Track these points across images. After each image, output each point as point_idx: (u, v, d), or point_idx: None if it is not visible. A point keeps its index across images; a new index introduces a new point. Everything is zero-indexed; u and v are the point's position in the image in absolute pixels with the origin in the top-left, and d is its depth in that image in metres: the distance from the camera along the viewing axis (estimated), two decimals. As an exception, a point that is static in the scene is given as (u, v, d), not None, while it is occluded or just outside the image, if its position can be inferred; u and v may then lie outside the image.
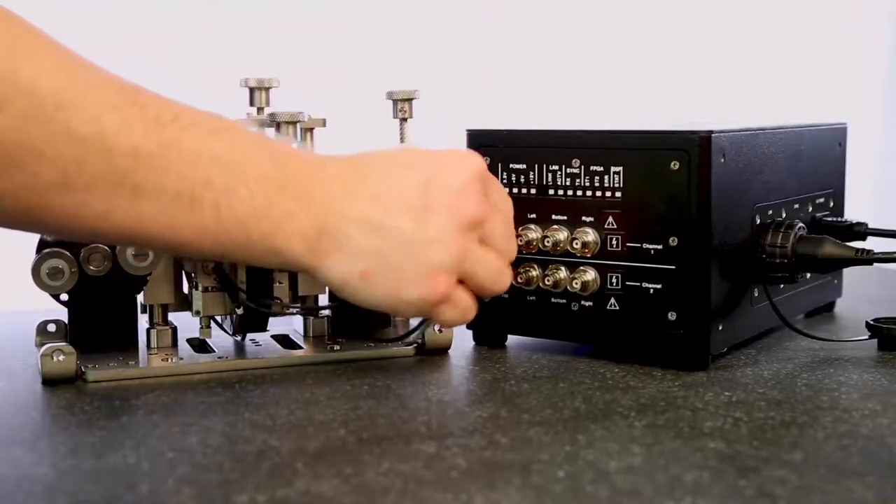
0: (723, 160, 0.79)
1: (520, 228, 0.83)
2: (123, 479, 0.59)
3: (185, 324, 0.86)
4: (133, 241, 0.76)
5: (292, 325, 0.92)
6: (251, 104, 0.88)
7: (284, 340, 0.88)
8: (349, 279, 0.67)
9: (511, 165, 0.85)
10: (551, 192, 0.83)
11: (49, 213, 0.62)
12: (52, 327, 0.86)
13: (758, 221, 0.84)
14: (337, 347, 0.85)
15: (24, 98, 0.58)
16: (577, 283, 0.82)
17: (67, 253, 0.81)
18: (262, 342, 0.87)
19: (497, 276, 0.71)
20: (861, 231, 0.96)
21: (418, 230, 0.67)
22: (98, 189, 0.61)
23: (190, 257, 0.82)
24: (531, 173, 0.84)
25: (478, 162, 0.71)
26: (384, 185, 0.68)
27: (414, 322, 0.93)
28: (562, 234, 0.82)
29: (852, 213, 1.00)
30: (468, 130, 0.88)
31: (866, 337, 0.87)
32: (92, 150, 0.60)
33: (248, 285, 0.83)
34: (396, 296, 0.68)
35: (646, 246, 0.80)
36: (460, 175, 0.69)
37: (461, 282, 0.70)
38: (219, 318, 0.86)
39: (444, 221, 0.67)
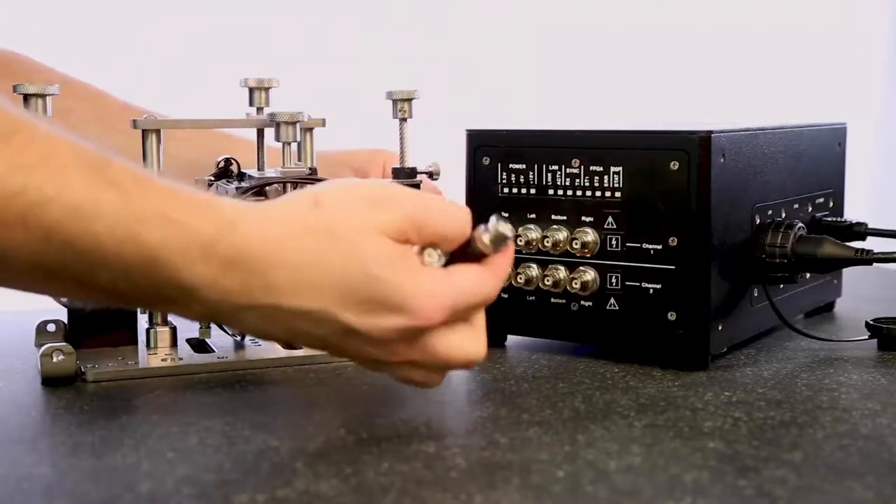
0: (723, 160, 0.79)
1: (520, 229, 0.83)
2: (123, 479, 0.59)
3: (185, 324, 0.86)
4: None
5: (292, 325, 0.92)
6: (251, 104, 0.88)
7: (284, 340, 0.88)
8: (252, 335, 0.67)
9: (511, 165, 0.85)
10: (551, 192, 0.83)
11: None
12: (51, 327, 0.86)
13: (758, 221, 0.84)
14: (337, 347, 0.85)
15: None
16: (576, 283, 0.82)
17: (67, 253, 0.80)
18: (261, 342, 0.87)
19: (435, 381, 0.66)
20: (861, 231, 0.96)
21: (323, 348, 0.64)
22: None
23: None
24: (531, 173, 0.84)
25: (422, 314, 0.60)
26: (296, 324, 0.60)
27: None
28: (561, 234, 0.82)
29: (852, 213, 1.00)
30: (468, 130, 0.88)
31: (866, 337, 0.87)
32: None
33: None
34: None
35: (645, 246, 0.80)
36: (380, 335, 0.61)
37: None
38: (219, 318, 0.86)
39: (355, 355, 0.63)
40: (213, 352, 0.84)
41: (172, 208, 0.57)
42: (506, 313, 0.85)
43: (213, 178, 0.86)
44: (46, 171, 0.55)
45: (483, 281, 0.63)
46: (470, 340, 0.63)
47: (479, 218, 0.84)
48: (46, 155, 0.55)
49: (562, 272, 0.83)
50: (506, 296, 0.83)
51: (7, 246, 0.55)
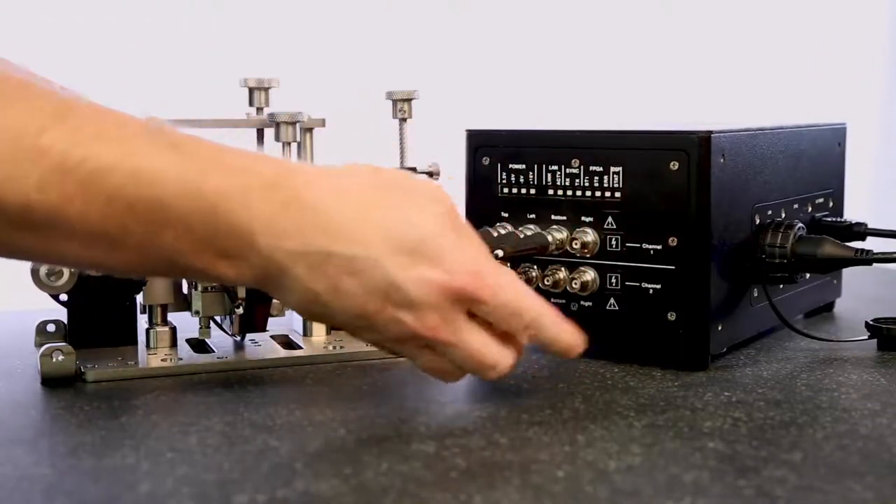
0: (722, 160, 0.79)
1: (519, 228, 0.83)
2: (123, 479, 0.59)
3: (185, 324, 0.86)
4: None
5: (292, 325, 0.92)
6: (251, 104, 0.88)
7: (284, 340, 0.88)
8: (301, 311, 0.66)
9: (511, 165, 0.85)
10: (551, 192, 0.83)
11: None
12: (51, 327, 0.86)
13: (757, 221, 0.84)
14: (336, 347, 0.85)
15: None
16: (576, 284, 0.82)
17: (67, 253, 0.80)
18: (261, 342, 0.87)
19: (428, 367, 0.67)
20: (861, 231, 0.95)
21: (360, 320, 0.63)
22: (6, 234, 0.57)
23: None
24: (531, 173, 0.84)
25: (458, 278, 0.62)
26: (344, 277, 0.61)
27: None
28: (561, 235, 0.82)
29: (852, 213, 1.00)
30: (468, 130, 0.88)
31: (866, 337, 0.87)
32: None
33: (248, 289, 0.83)
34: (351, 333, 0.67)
35: (645, 246, 0.80)
36: (422, 293, 0.62)
37: None
38: (218, 318, 0.86)
39: (387, 329, 0.63)
40: (213, 352, 0.84)
41: (232, 158, 0.60)
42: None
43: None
44: (105, 142, 0.57)
45: (526, 291, 0.66)
46: (498, 348, 0.66)
47: (479, 218, 0.85)
48: (101, 128, 0.57)
49: (561, 272, 0.83)
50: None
51: (71, 216, 0.57)
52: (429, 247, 0.62)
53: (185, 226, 0.59)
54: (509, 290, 0.65)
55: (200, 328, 0.84)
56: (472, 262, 0.64)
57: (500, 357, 0.66)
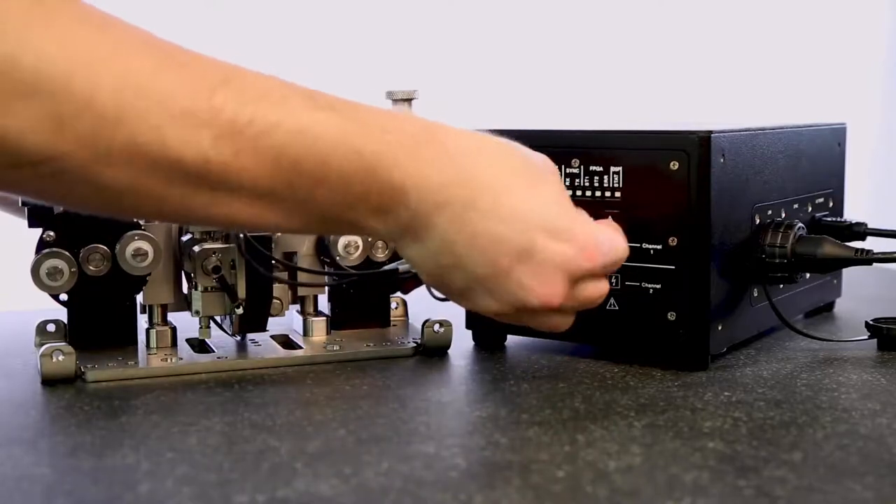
0: (722, 160, 0.79)
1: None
2: (123, 479, 0.59)
3: (185, 324, 0.86)
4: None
5: (292, 325, 0.92)
6: (251, 104, 0.88)
7: (284, 340, 0.88)
8: (418, 269, 0.69)
9: (511, 165, 0.85)
10: (551, 192, 0.83)
11: (129, 211, 0.63)
12: (51, 327, 0.86)
13: (757, 221, 0.84)
14: (336, 347, 0.85)
15: (84, 116, 0.55)
16: (576, 283, 0.82)
17: (67, 253, 0.81)
18: (261, 342, 0.87)
19: (545, 326, 0.71)
20: (860, 231, 0.95)
21: (485, 280, 0.67)
22: (172, 193, 0.59)
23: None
24: (531, 173, 0.84)
25: (582, 256, 0.68)
26: (484, 226, 0.65)
27: (417, 325, 0.93)
28: (561, 234, 0.82)
29: (851, 213, 1.00)
30: (468, 130, 0.88)
31: (866, 337, 0.87)
32: (159, 161, 0.58)
33: (248, 289, 0.83)
34: (457, 301, 0.70)
35: (645, 246, 0.80)
36: (552, 264, 0.67)
37: None
38: (218, 318, 0.86)
39: (510, 293, 0.67)
40: (213, 352, 0.84)
41: (384, 119, 0.65)
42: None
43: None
44: (269, 103, 0.60)
45: (620, 238, 0.73)
46: (602, 284, 0.71)
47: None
48: (265, 90, 0.61)
49: (562, 272, 0.83)
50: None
51: (242, 173, 0.60)
52: (560, 221, 0.67)
53: (344, 183, 0.62)
54: (611, 252, 0.71)
55: (200, 328, 0.84)
56: (591, 236, 0.69)
57: (604, 288, 0.71)
